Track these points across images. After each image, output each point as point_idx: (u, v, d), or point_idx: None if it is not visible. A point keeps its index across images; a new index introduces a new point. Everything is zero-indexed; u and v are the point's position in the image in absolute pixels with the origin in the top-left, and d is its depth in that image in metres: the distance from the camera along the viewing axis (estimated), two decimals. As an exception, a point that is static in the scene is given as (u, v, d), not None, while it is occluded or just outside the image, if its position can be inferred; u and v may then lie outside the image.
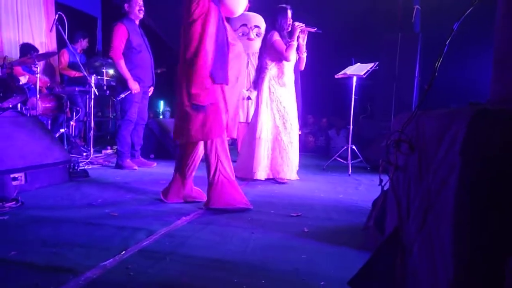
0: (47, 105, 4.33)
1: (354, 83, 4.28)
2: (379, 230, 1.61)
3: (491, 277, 0.77)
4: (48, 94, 4.57)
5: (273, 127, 3.57)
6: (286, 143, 3.55)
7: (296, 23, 3.57)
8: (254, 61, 4.23)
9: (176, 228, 2.05)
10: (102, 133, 7.01)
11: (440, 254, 0.86)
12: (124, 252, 1.67)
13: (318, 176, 4.03)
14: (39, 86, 4.04)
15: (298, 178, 3.65)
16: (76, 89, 4.88)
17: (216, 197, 2.44)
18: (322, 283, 1.44)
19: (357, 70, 4.29)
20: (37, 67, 3.98)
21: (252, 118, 3.80)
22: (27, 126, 3.07)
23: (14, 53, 5.07)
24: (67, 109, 4.73)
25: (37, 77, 3.98)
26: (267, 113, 3.57)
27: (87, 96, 4.84)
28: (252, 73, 3.97)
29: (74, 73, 5.25)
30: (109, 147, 5.47)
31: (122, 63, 3.85)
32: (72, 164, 3.35)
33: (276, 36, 3.55)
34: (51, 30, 5.14)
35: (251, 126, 3.69)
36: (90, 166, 4.06)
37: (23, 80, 4.25)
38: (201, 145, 2.61)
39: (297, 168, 3.69)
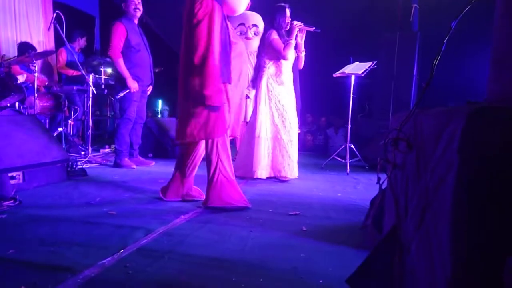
0: (45, 104, 4.33)
1: (353, 82, 4.29)
2: (377, 229, 1.61)
3: (489, 276, 0.77)
4: (46, 93, 4.56)
5: (272, 125, 3.58)
6: (286, 142, 3.55)
7: (295, 22, 3.58)
8: (253, 60, 4.22)
9: (175, 227, 2.05)
10: (100, 132, 6.99)
11: (438, 252, 0.86)
12: (122, 250, 1.67)
13: (316, 175, 4.03)
14: (37, 85, 4.03)
15: (297, 176, 3.66)
16: (74, 88, 4.87)
17: (214, 196, 2.44)
18: (321, 281, 1.44)
19: (356, 69, 4.29)
20: (35, 66, 3.97)
21: (250, 117, 3.80)
22: (25, 125, 3.07)
23: (12, 52, 5.05)
24: (65, 108, 4.73)
25: (35, 76, 3.97)
26: (266, 111, 3.58)
27: (85, 95, 4.82)
28: (251, 72, 3.97)
29: (72, 72, 5.23)
30: (107, 146, 5.47)
31: (121, 62, 3.85)
32: (70, 163, 3.35)
33: (274, 35, 3.55)
34: (49, 29, 5.12)
35: (250, 125, 3.69)
36: (88, 165, 4.06)
37: (21, 79, 4.23)
38: (202, 145, 2.60)
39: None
